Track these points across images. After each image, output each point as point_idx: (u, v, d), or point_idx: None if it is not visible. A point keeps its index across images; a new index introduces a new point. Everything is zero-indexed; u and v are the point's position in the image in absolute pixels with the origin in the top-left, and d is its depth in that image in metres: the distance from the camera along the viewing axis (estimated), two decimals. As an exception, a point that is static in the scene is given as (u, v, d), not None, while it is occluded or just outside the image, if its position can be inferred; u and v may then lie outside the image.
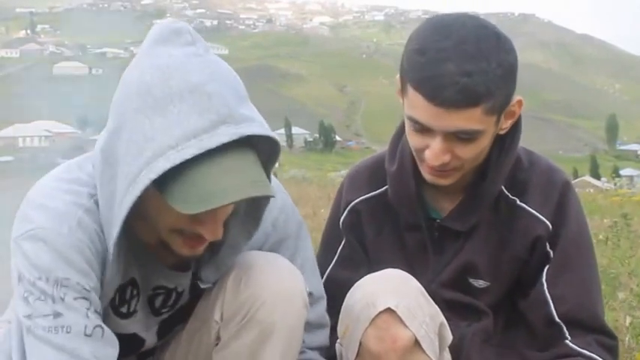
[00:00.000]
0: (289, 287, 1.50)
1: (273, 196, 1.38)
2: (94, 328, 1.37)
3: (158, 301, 1.57)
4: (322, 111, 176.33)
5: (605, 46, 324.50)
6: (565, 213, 1.68)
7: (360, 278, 1.58)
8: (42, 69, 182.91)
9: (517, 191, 1.70)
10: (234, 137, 1.27)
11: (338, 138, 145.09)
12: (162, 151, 1.25)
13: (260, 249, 1.61)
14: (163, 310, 1.59)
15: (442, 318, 1.53)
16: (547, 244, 1.67)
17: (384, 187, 1.79)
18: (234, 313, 1.50)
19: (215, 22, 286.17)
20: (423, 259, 1.74)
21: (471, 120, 1.50)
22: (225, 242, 1.50)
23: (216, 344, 1.55)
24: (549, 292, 1.63)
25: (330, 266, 1.83)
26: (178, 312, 1.61)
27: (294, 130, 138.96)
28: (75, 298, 1.35)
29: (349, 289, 1.61)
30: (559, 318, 1.63)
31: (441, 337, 1.53)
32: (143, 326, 1.56)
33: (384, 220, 1.79)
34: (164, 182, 1.28)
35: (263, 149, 1.38)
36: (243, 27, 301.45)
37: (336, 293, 1.68)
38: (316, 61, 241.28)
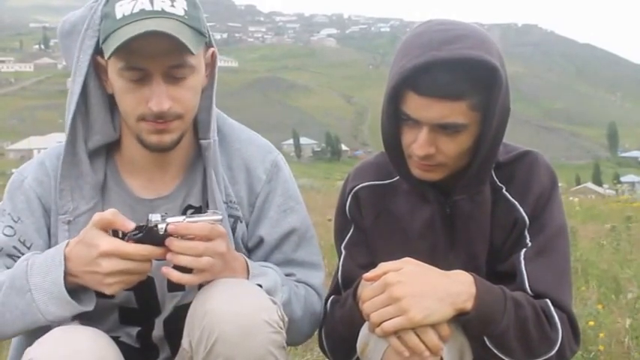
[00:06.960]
0: (249, 318, 1.45)
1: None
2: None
3: None
4: (329, 121, 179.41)
5: (607, 55, 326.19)
6: (548, 207, 1.71)
7: (369, 263, 1.61)
8: (56, 82, 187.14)
9: (504, 179, 1.76)
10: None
11: (345, 147, 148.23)
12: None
13: (256, 198, 1.74)
14: None
15: (462, 338, 1.56)
16: (526, 231, 1.71)
17: (389, 181, 1.84)
18: (198, 343, 1.47)
19: (225, 35, 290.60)
20: (433, 236, 1.76)
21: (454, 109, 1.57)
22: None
23: None
24: (525, 269, 1.66)
25: (342, 257, 1.87)
26: (184, 309, 1.58)
27: (302, 140, 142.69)
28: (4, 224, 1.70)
29: (357, 276, 1.67)
30: (531, 292, 1.64)
31: (461, 353, 1.56)
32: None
33: (381, 208, 1.83)
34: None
35: None
36: (252, 40, 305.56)
37: (346, 282, 1.80)
38: (323, 72, 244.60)
